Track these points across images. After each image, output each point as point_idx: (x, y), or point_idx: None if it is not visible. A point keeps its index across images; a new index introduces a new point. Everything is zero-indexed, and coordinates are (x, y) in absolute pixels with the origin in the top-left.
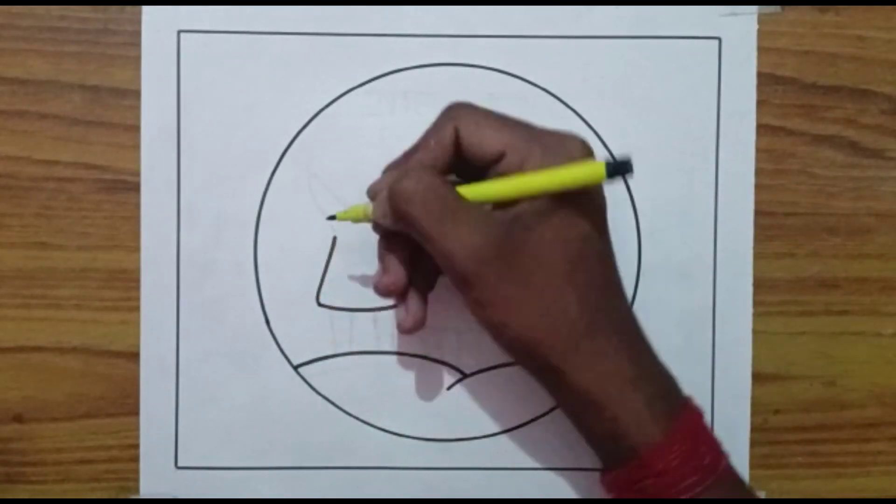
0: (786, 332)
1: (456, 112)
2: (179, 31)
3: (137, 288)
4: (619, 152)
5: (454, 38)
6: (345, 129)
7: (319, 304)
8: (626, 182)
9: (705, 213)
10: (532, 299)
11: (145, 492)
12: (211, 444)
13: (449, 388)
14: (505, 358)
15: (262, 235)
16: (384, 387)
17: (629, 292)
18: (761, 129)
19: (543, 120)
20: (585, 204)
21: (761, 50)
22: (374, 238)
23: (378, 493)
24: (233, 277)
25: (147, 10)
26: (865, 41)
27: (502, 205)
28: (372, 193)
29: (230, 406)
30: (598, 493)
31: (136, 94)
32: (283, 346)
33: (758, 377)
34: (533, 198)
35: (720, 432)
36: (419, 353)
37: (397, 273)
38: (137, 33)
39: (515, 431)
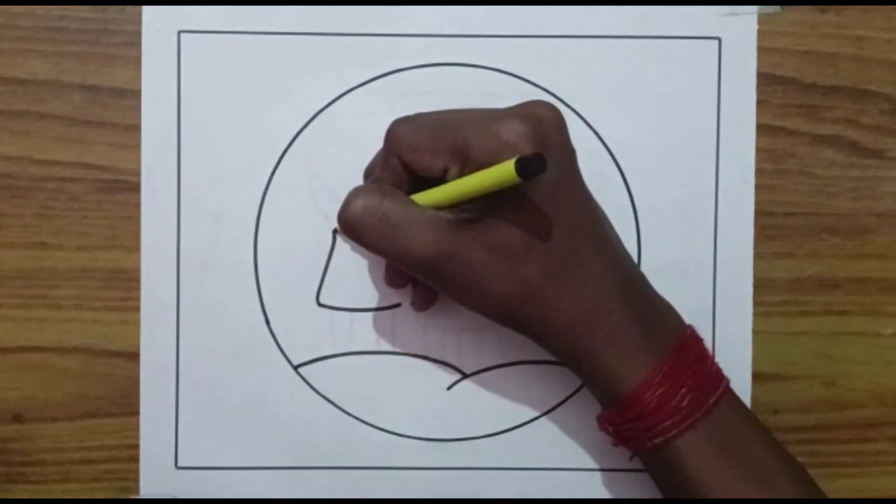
0: (786, 333)
1: (394, 143)
2: (179, 31)
3: (137, 288)
4: (619, 152)
5: (454, 38)
6: (345, 129)
7: (319, 304)
8: (625, 182)
9: (705, 213)
10: (496, 277)
11: (145, 492)
12: (211, 444)
13: (449, 388)
14: (505, 358)
15: (262, 235)
16: (384, 387)
17: None
18: (761, 129)
19: None
20: (511, 202)
21: (761, 50)
22: None
23: (378, 493)
24: (233, 277)
25: (147, 10)
26: (865, 41)
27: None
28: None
29: (230, 406)
30: (598, 493)
31: (136, 94)
32: (282, 346)
33: (758, 377)
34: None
35: None
36: (419, 353)
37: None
38: (137, 33)
39: (515, 431)
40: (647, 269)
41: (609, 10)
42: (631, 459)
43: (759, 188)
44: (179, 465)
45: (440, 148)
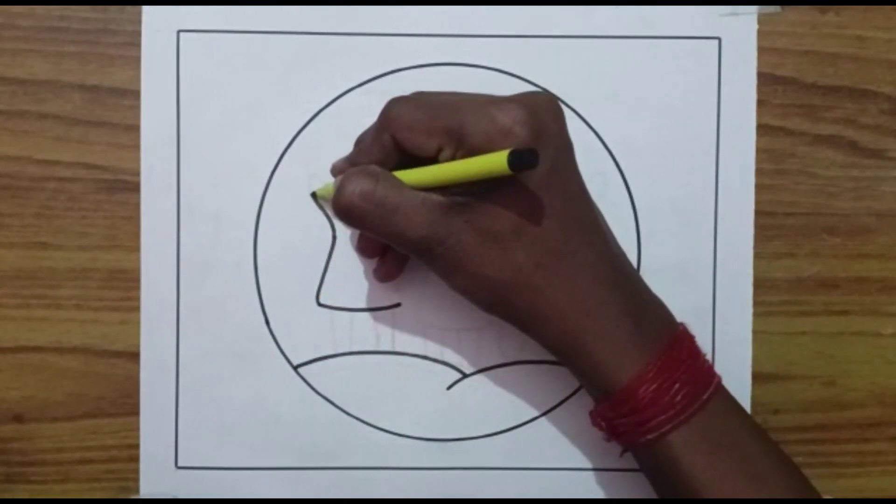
0: (786, 333)
1: (389, 120)
2: (179, 31)
3: (137, 288)
4: (619, 152)
5: (454, 38)
6: (345, 128)
7: (319, 304)
8: (625, 182)
9: (705, 213)
10: (486, 262)
11: (145, 492)
12: (211, 444)
13: (449, 388)
14: (504, 358)
15: (261, 235)
16: (384, 387)
17: None
18: (761, 129)
19: None
20: (506, 188)
21: (761, 50)
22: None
23: (378, 493)
24: (233, 277)
25: (147, 10)
26: (865, 41)
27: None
28: (335, 172)
29: (230, 406)
30: (597, 493)
31: (136, 94)
32: (282, 346)
33: (758, 377)
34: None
35: None
36: (419, 353)
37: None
38: (137, 33)
39: (515, 431)
40: (647, 269)
41: (609, 10)
42: (622, 455)
43: (759, 188)
44: (179, 464)
45: (436, 128)
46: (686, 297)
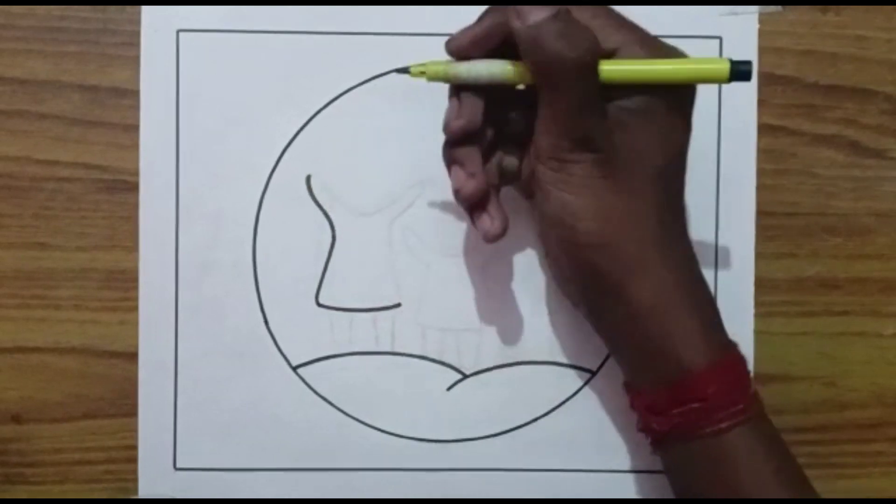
0: (786, 333)
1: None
2: (178, 31)
3: (136, 288)
4: None
5: None
6: (344, 129)
7: (319, 305)
8: None
9: (705, 213)
10: (615, 198)
11: (144, 492)
12: (210, 445)
13: (449, 389)
14: (505, 358)
15: (260, 235)
16: (384, 387)
17: None
18: (761, 129)
19: None
20: (677, 116)
21: (761, 50)
22: (375, 237)
23: (377, 493)
24: (231, 277)
25: (146, 10)
26: (865, 41)
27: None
28: (457, 51)
29: (229, 406)
30: (597, 493)
31: (136, 93)
32: (281, 346)
33: (758, 378)
34: (629, 96)
35: None
36: (419, 354)
37: (475, 167)
38: (137, 33)
39: (515, 432)
40: None
41: None
42: (653, 452)
43: (759, 188)
44: (178, 465)
45: (623, 27)
46: None
